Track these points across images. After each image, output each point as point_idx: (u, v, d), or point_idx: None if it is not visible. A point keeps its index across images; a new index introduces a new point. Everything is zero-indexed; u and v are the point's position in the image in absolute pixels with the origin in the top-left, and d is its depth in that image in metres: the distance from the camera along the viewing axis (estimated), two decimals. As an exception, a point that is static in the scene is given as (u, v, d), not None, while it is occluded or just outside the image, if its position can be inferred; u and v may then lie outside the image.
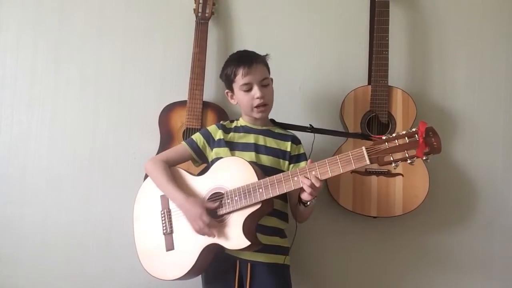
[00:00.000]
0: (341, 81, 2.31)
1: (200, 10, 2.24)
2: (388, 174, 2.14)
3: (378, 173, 2.14)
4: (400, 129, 2.15)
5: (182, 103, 2.20)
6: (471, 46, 2.34)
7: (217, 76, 2.30)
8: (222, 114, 2.20)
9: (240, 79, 1.86)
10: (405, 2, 2.34)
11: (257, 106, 1.87)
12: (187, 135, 2.15)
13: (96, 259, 2.28)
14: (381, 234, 2.26)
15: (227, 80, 1.92)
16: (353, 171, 2.11)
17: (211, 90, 2.30)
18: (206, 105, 2.19)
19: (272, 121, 2.00)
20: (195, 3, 2.26)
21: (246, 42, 2.32)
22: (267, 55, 1.94)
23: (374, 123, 2.19)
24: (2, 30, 2.38)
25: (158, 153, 2.15)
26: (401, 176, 2.13)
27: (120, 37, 2.37)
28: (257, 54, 1.92)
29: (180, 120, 2.19)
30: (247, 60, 1.86)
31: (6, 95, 2.36)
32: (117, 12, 2.38)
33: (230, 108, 2.26)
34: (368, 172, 2.14)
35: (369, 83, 2.25)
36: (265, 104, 1.88)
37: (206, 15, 2.25)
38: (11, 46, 2.38)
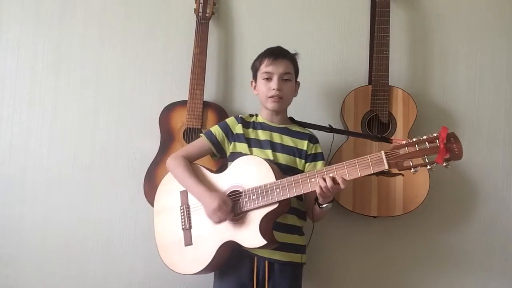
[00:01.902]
0: (342, 80, 2.31)
1: (200, 10, 2.24)
2: (389, 173, 2.12)
3: (378, 173, 2.13)
4: (400, 129, 2.15)
5: (182, 103, 2.20)
6: (471, 45, 2.34)
7: (217, 76, 2.32)
8: (223, 114, 2.20)
9: (263, 68, 1.92)
10: (406, 2, 2.34)
11: (271, 96, 1.89)
12: (188, 135, 2.16)
13: (96, 259, 2.27)
14: (381, 234, 2.26)
15: (254, 68, 1.98)
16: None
17: (211, 90, 2.30)
18: (206, 105, 2.19)
19: (291, 119, 2.01)
20: (195, 3, 2.26)
21: (247, 42, 2.32)
22: (296, 53, 1.97)
23: (375, 123, 2.18)
24: (2, 30, 2.38)
25: (158, 153, 2.16)
26: (401, 176, 2.12)
27: (120, 37, 2.37)
28: (288, 51, 1.96)
29: (180, 120, 2.19)
30: (275, 52, 1.94)
31: (6, 95, 2.36)
32: (117, 12, 2.38)
33: (230, 108, 2.27)
34: (368, 172, 2.13)
35: (369, 83, 2.25)
36: (280, 97, 1.89)
37: (207, 15, 2.25)
38: (11, 46, 2.37)
